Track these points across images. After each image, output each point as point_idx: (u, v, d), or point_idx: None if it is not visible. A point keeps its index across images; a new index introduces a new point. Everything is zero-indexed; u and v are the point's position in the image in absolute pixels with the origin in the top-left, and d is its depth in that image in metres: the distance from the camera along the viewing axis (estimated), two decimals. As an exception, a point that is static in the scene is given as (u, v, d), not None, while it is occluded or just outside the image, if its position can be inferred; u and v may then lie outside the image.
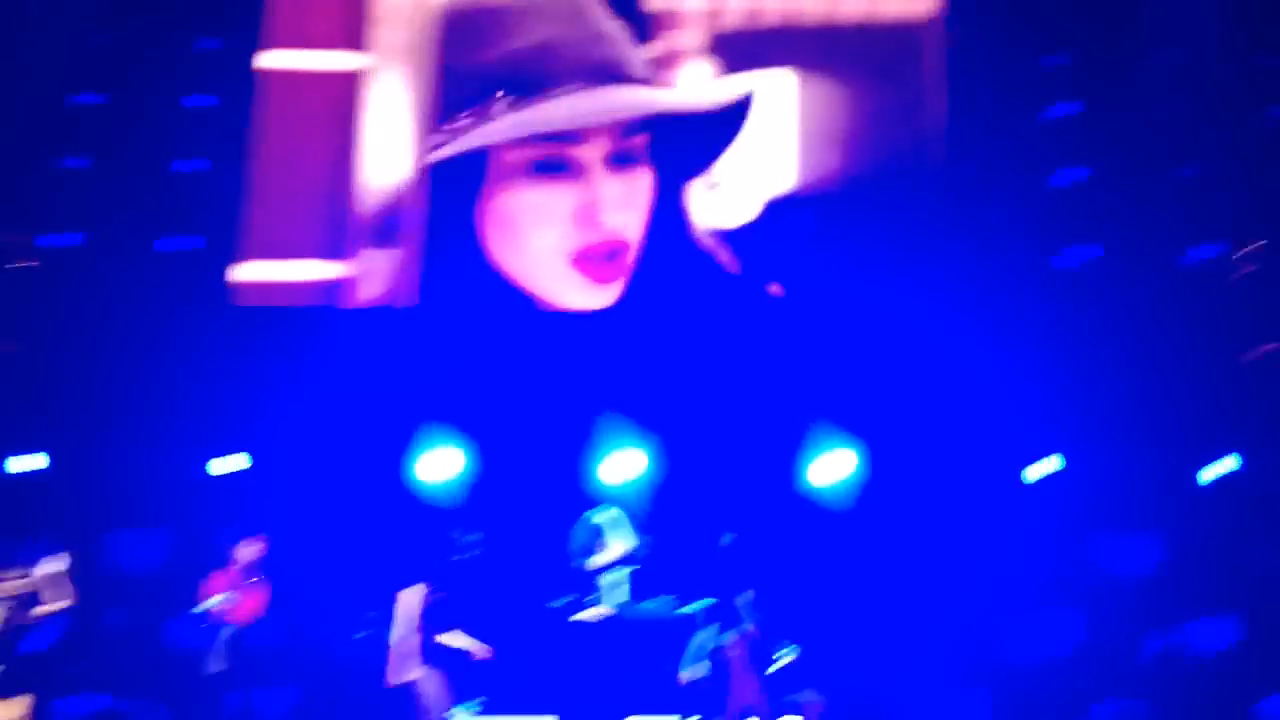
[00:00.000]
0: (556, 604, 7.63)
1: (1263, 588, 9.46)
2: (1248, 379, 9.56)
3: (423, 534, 8.96)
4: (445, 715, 6.91)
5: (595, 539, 7.41)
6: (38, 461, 9.03)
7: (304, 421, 9.03)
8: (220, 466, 9.05)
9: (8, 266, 9.51)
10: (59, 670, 8.42)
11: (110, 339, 9.18)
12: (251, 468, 9.14)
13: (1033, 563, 9.31)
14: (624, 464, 8.96)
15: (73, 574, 8.84)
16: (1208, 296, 9.85)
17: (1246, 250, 10.26)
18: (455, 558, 7.38)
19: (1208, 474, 9.33)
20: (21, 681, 7.53)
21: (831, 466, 8.89)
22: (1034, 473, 9.29)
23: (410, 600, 7.14)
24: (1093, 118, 10.24)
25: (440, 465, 8.92)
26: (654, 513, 8.87)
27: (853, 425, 8.94)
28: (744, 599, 7.67)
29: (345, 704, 7.36)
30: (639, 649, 7.35)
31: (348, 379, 8.68)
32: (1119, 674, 8.95)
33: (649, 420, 8.98)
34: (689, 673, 7.46)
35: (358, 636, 7.11)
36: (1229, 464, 9.35)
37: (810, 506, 8.48)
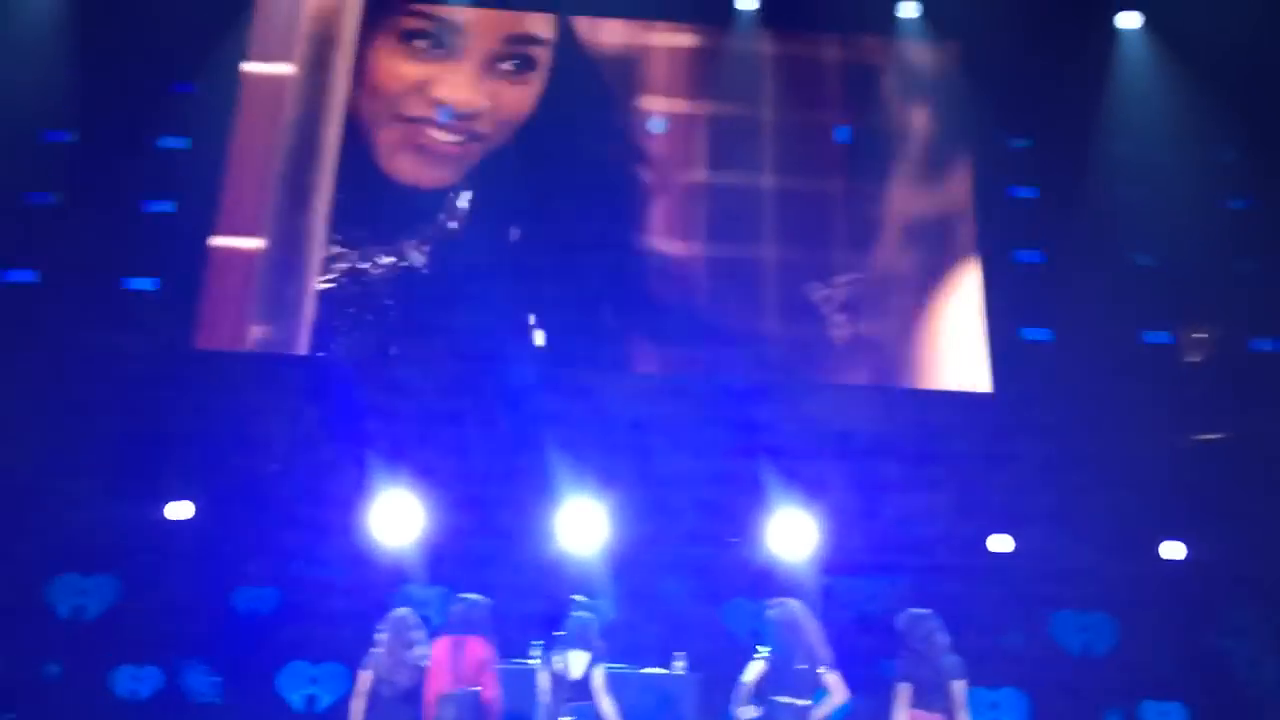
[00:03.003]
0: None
1: (1206, 670, 9.59)
2: (1193, 466, 9.76)
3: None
4: None
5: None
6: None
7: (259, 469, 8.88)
8: (174, 512, 8.81)
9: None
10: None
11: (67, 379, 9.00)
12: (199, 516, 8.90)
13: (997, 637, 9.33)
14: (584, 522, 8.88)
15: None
16: (1158, 382, 10.07)
17: (1192, 338, 10.54)
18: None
19: (1159, 555, 9.44)
20: None
21: (795, 533, 8.90)
22: (994, 545, 9.33)
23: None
24: (1048, 202, 10.50)
25: (396, 518, 8.78)
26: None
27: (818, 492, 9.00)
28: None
29: None
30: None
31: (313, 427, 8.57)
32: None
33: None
34: None
35: None
36: (1177, 549, 9.45)
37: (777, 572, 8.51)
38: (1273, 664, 9.69)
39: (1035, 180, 10.63)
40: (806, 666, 6.82)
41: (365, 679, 6.73)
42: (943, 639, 6.89)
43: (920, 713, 6.71)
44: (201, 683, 8.79)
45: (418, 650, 6.74)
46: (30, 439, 8.68)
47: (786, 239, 10.06)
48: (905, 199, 10.33)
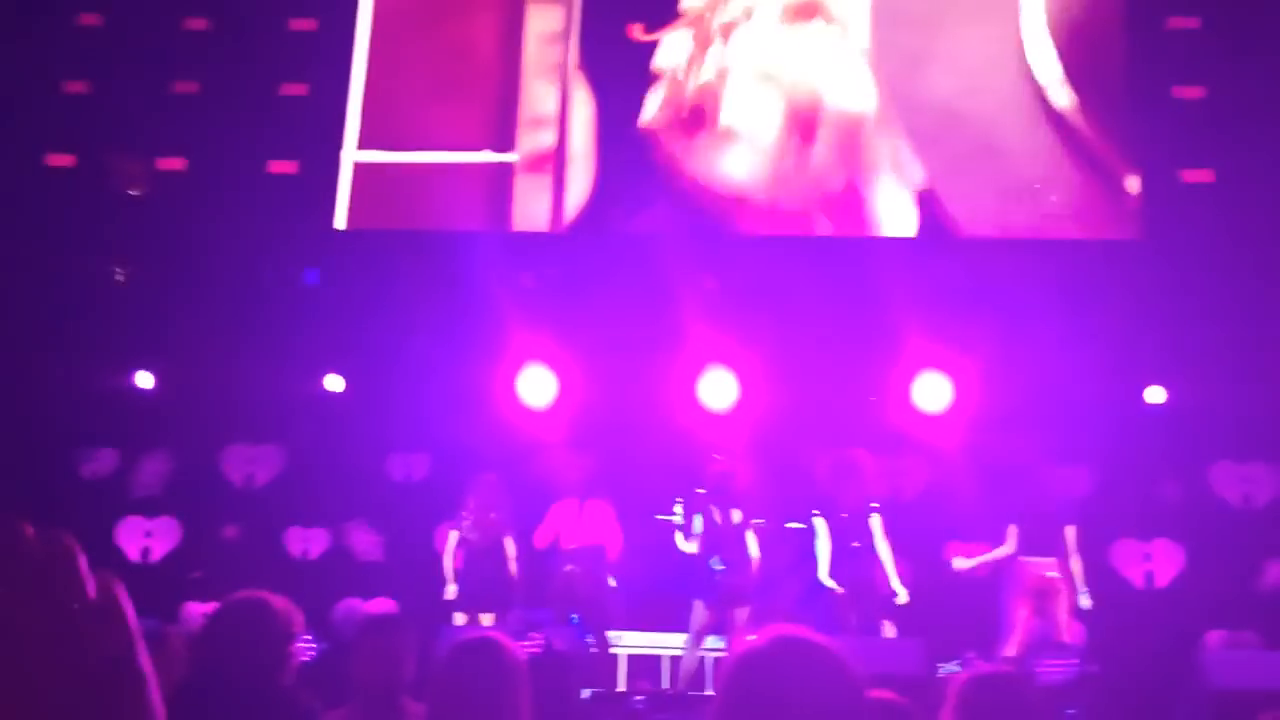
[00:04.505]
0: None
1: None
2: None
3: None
4: None
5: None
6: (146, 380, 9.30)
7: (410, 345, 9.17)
8: (329, 384, 9.23)
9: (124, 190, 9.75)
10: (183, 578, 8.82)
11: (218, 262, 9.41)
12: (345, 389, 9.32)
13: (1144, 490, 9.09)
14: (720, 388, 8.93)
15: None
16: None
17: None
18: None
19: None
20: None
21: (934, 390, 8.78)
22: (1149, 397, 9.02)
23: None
24: (1211, 35, 9.72)
25: (537, 387, 8.97)
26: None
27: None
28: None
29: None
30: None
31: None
32: (1230, 603, 8.73)
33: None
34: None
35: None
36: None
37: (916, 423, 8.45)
38: None
39: (1196, 10, 9.85)
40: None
41: (452, 536, 7.31)
42: (1056, 485, 6.92)
43: (1031, 557, 6.76)
44: (366, 542, 9.36)
45: (492, 514, 7.23)
46: (194, 323, 9.16)
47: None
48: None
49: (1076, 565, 6.90)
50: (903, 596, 7.11)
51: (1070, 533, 6.89)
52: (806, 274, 9.28)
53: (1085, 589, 6.88)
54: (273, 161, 9.84)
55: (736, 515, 7.20)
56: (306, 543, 9.41)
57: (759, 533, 7.45)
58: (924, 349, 8.80)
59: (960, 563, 7.10)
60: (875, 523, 7.26)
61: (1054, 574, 6.80)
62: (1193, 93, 9.70)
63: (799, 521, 8.21)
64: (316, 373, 9.28)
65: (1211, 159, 9.55)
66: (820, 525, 7.33)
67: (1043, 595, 6.79)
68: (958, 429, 8.83)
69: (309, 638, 4.66)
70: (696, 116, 9.36)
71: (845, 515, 7.25)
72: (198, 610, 6.84)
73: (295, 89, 10.00)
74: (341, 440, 9.30)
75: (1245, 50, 9.42)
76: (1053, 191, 9.21)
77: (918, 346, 8.77)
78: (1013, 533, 6.91)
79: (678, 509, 7.86)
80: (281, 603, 3.18)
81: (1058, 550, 6.84)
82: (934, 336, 8.75)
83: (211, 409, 9.41)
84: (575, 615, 7.28)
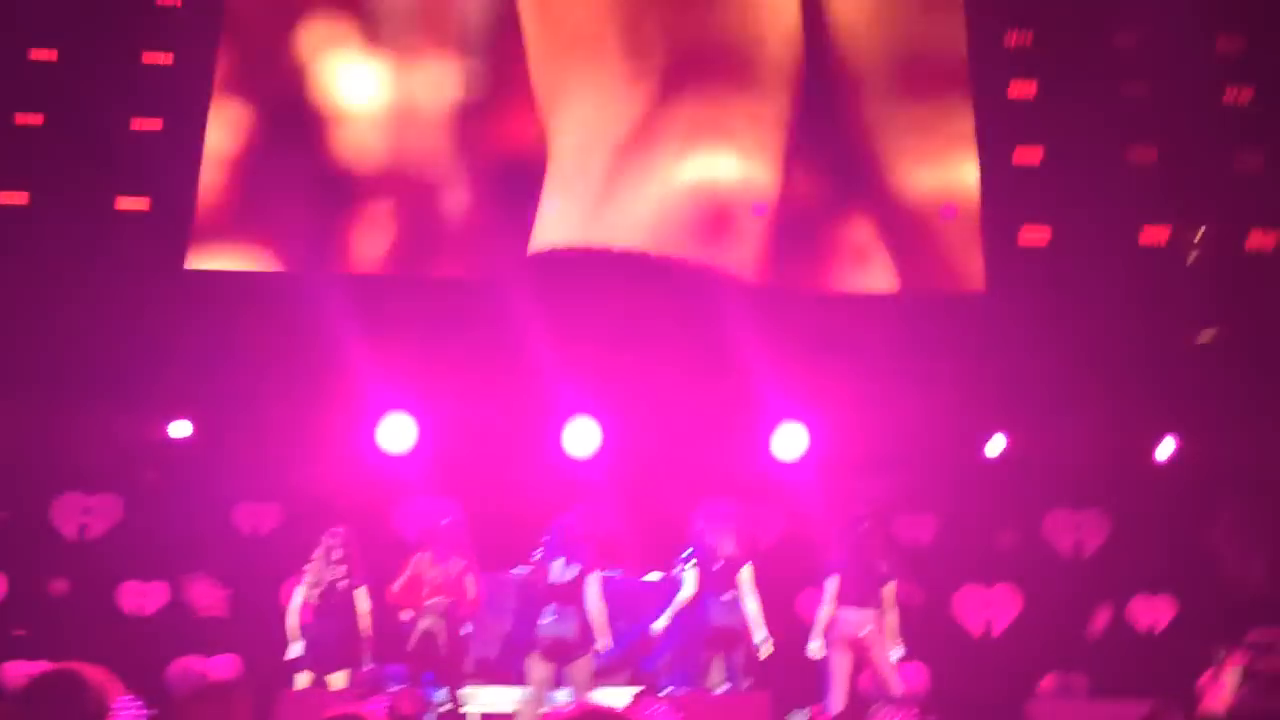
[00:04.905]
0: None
1: (1199, 566, 9.68)
2: (1192, 362, 9.72)
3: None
4: None
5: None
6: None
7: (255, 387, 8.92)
8: (174, 430, 8.89)
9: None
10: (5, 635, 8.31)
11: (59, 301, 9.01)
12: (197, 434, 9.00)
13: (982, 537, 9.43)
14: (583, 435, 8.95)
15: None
16: (1157, 279, 9.98)
17: (1193, 234, 10.41)
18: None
19: (1153, 454, 9.46)
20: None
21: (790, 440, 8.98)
22: (989, 448, 9.38)
23: None
24: (1048, 99, 10.31)
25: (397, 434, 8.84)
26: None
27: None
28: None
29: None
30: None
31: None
32: (1061, 648, 9.11)
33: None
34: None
35: None
36: (1168, 446, 9.46)
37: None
38: (1260, 561, 9.80)
39: (1034, 76, 10.43)
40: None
41: (298, 593, 7.11)
42: (878, 538, 7.07)
43: (849, 609, 6.86)
44: (208, 596, 8.98)
45: (341, 569, 7.09)
46: (27, 364, 8.73)
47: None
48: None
49: (892, 620, 7.03)
50: (766, 649, 7.15)
51: (889, 589, 7.01)
52: (668, 323, 9.41)
53: (898, 642, 7.02)
54: (121, 197, 9.51)
55: (573, 570, 7.06)
56: (142, 598, 8.98)
57: (610, 584, 7.41)
58: (782, 398, 8.99)
59: (816, 649, 7.09)
60: (746, 574, 7.30)
61: (867, 629, 6.89)
62: (1032, 156, 10.26)
63: (659, 572, 8.25)
64: (161, 418, 8.92)
65: (1049, 218, 10.10)
66: (690, 576, 7.31)
67: (858, 648, 6.91)
68: (812, 478, 9.02)
69: (137, 702, 4.44)
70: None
71: (718, 567, 7.25)
72: (20, 672, 6.42)
73: (149, 124, 9.69)
74: (186, 489, 8.94)
75: (1080, 114, 10.03)
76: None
77: (776, 396, 8.96)
78: (831, 585, 7.01)
79: (536, 559, 7.81)
80: (96, 673, 3.02)
81: (875, 603, 6.95)
82: (791, 386, 8.96)
83: (42, 455, 8.94)
84: (429, 672, 7.10)
